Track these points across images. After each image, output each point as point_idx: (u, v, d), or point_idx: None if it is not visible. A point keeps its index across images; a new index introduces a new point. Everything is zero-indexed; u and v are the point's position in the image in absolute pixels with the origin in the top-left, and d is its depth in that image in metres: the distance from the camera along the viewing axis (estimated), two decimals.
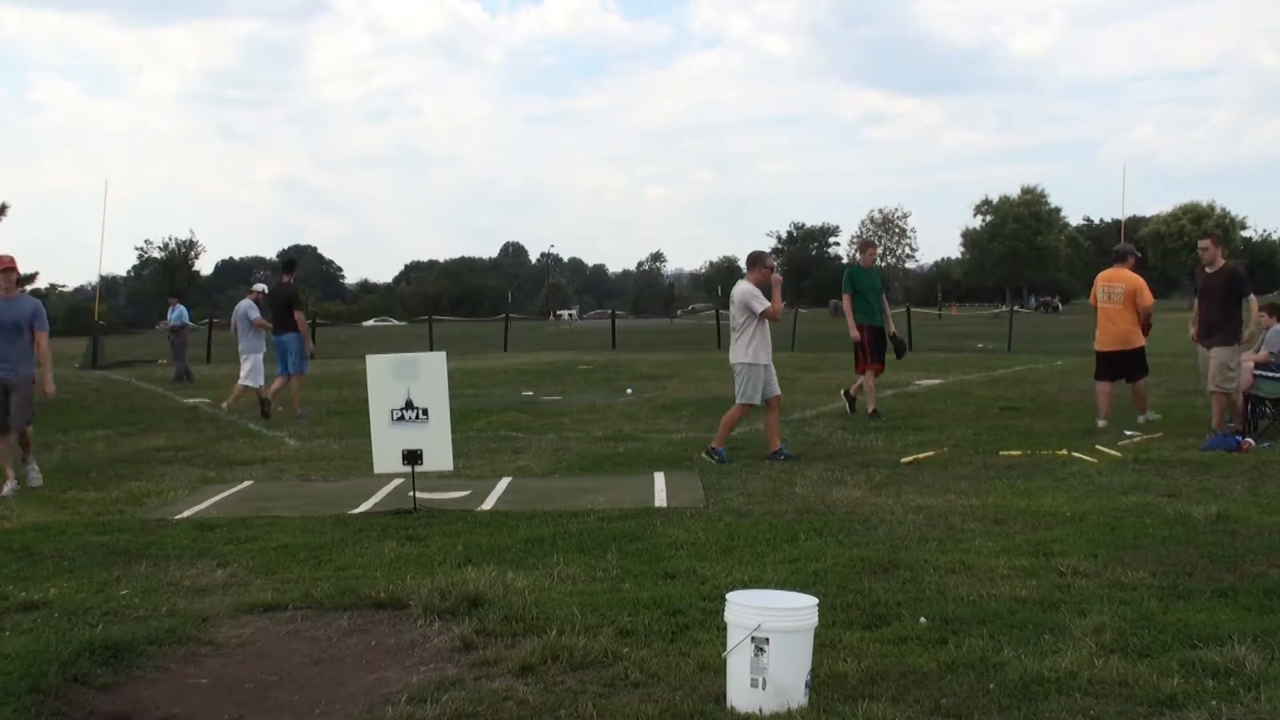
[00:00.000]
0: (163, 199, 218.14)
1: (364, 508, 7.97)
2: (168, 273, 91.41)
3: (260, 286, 16.28)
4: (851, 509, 7.40)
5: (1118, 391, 11.77)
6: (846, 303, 12.65)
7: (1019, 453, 9.72)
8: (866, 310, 12.62)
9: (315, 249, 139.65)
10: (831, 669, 4.25)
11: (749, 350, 9.66)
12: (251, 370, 15.10)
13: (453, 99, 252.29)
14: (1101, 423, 11.44)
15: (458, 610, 5.17)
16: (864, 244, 14.43)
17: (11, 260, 8.91)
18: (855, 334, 12.49)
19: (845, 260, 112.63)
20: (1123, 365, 11.63)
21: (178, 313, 22.96)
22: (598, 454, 10.28)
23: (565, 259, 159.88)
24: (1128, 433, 10.79)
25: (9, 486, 8.83)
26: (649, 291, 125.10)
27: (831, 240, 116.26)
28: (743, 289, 9.76)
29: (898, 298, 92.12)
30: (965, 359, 23.99)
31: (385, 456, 8.02)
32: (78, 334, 43.35)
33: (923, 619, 4.86)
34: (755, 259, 10.11)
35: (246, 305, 15.33)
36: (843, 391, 13.55)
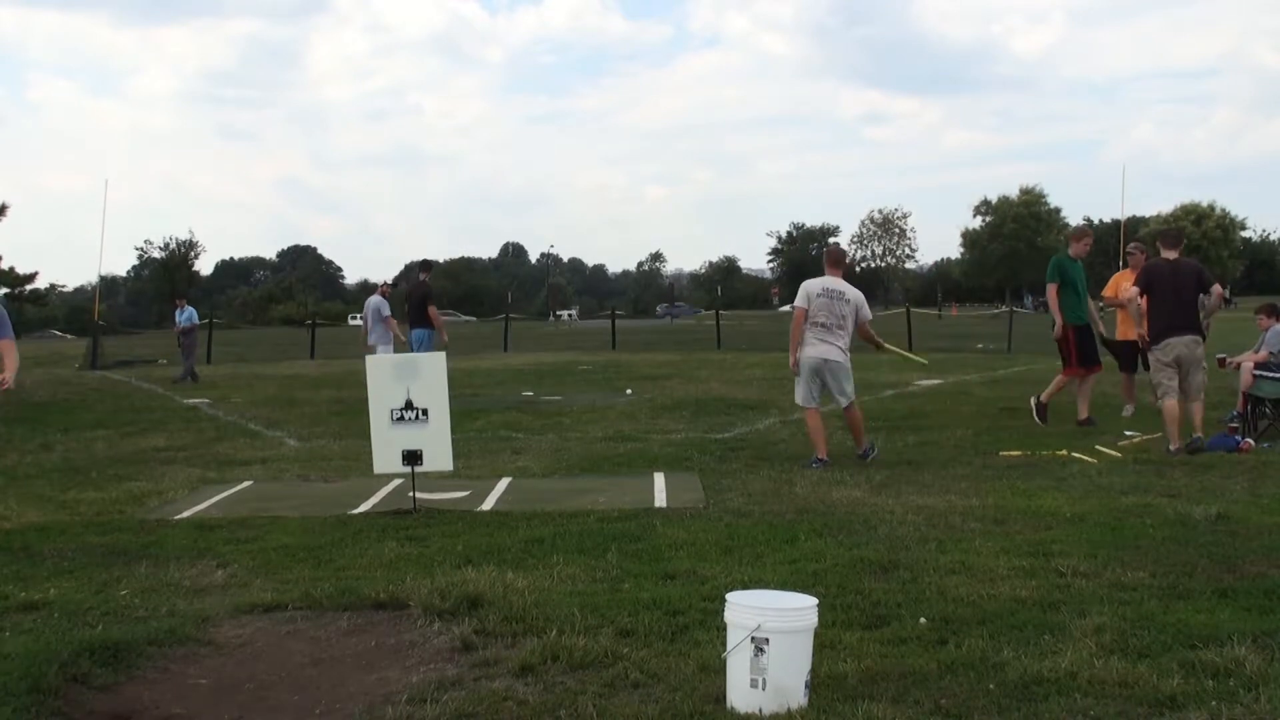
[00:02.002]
0: (162, 199, 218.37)
1: (364, 508, 7.97)
2: (167, 273, 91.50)
3: (385, 282, 17.94)
4: (851, 509, 7.40)
5: (1111, 392, 11.86)
6: (1053, 293, 11.50)
7: (1019, 453, 9.72)
8: (1075, 307, 11.51)
9: (315, 249, 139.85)
10: (831, 669, 4.24)
11: (847, 350, 9.54)
12: None
13: (453, 99, 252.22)
14: (1129, 407, 12.14)
15: (458, 610, 5.17)
16: (1080, 231, 12.74)
17: None
18: (1059, 331, 11.44)
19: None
20: (1142, 353, 11.71)
21: (187, 314, 22.92)
22: (598, 454, 10.28)
23: (565, 259, 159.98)
24: (1128, 433, 10.79)
25: None
26: (649, 291, 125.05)
27: (831, 240, 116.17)
28: (857, 291, 9.61)
29: (898, 298, 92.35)
30: (965, 359, 23.98)
31: (385, 457, 8.02)
32: (78, 334, 43.37)
33: (923, 619, 4.86)
34: (839, 256, 10.27)
35: (379, 301, 16.62)
36: (1032, 400, 11.99)
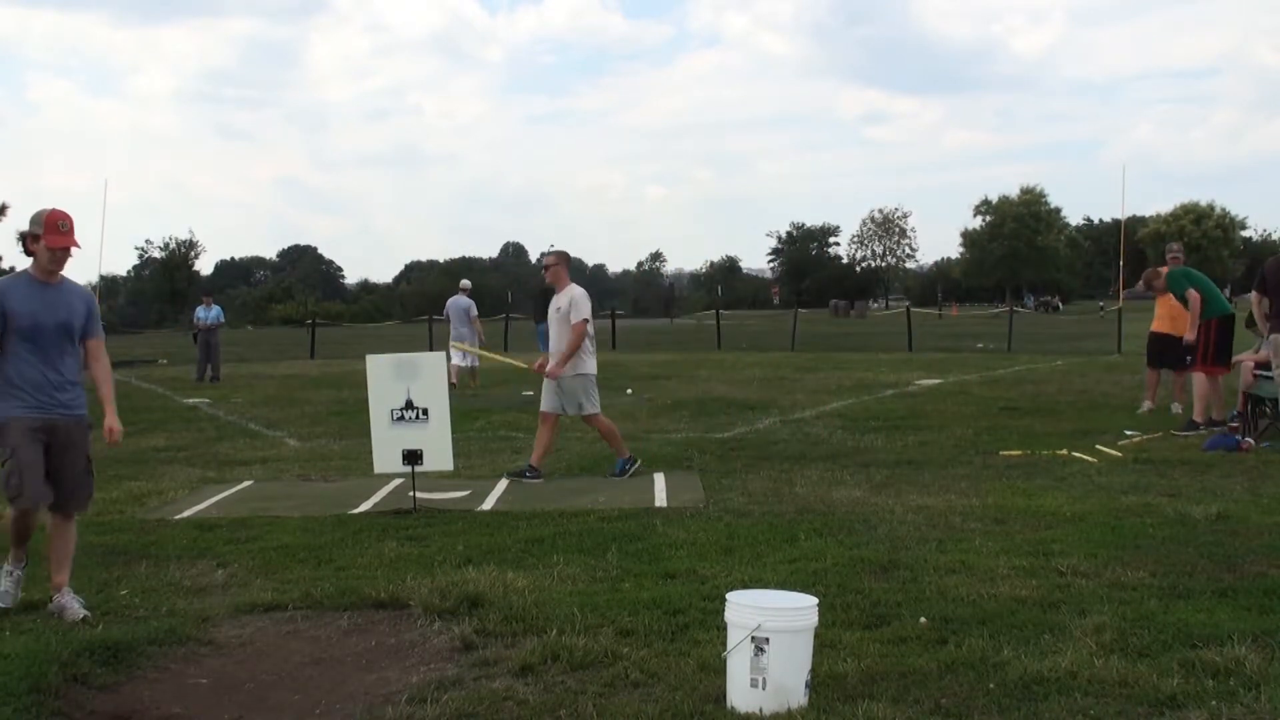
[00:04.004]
0: (162, 199, 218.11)
1: (364, 508, 7.97)
2: (167, 273, 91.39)
3: (466, 283, 19.37)
4: (851, 509, 7.40)
5: (1111, 391, 11.86)
6: (1196, 298, 11.13)
7: (1019, 453, 9.72)
8: (1216, 299, 11.24)
9: (315, 249, 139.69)
10: (831, 669, 4.25)
11: None
12: (462, 355, 17.48)
13: (453, 99, 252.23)
14: (1147, 404, 12.27)
15: (458, 610, 5.17)
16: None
17: (67, 218, 5.33)
18: (1194, 335, 11.10)
19: (845, 260, 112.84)
20: (1171, 350, 12.03)
21: (214, 312, 22.67)
22: (598, 454, 10.27)
23: None
24: (1128, 432, 10.79)
25: (7, 580, 5.53)
26: (649, 291, 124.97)
27: (831, 240, 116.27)
28: None
29: (898, 295, 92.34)
30: (965, 359, 23.99)
31: (385, 457, 8.02)
32: None
33: (923, 619, 4.87)
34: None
35: (467, 303, 18.35)
36: (1193, 422, 10.83)
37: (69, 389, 5.47)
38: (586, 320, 8.96)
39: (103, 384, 5.69)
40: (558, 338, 9.07)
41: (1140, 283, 12.14)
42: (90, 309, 5.54)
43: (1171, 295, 12.10)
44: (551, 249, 9.48)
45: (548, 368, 9.07)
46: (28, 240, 5.30)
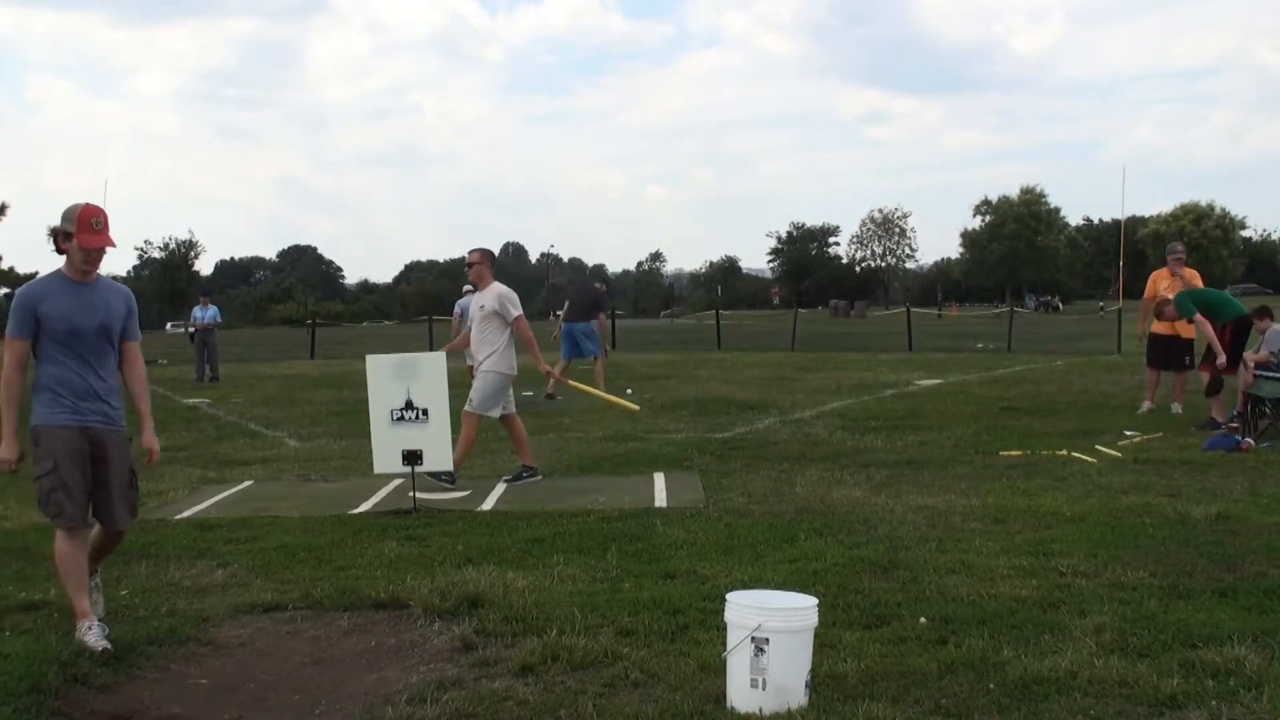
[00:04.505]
0: (162, 199, 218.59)
1: (364, 508, 7.97)
2: (167, 273, 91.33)
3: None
4: (851, 509, 7.40)
5: (1111, 391, 11.87)
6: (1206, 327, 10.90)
7: (1019, 453, 9.72)
8: (1230, 302, 11.27)
9: (315, 249, 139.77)
10: (831, 669, 4.25)
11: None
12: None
13: (453, 99, 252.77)
14: (1147, 404, 12.28)
15: (458, 610, 5.17)
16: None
17: (101, 214, 4.97)
18: (1222, 359, 10.74)
19: (843, 260, 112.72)
20: (1172, 351, 12.06)
21: (211, 312, 22.64)
22: (598, 454, 10.28)
23: (565, 259, 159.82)
24: (1128, 433, 10.79)
25: (94, 633, 4.81)
26: (649, 291, 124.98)
27: (831, 240, 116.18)
28: None
29: (898, 298, 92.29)
30: (965, 359, 23.98)
31: (385, 457, 8.02)
32: None
33: (923, 619, 4.86)
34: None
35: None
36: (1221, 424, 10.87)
37: (113, 397, 5.04)
38: (521, 316, 8.84)
39: (140, 397, 5.23)
40: (479, 335, 8.88)
41: (1153, 309, 12.02)
42: (130, 309, 5.12)
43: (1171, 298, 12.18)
44: (475, 249, 9.27)
45: (478, 366, 8.92)
46: (59, 238, 4.91)
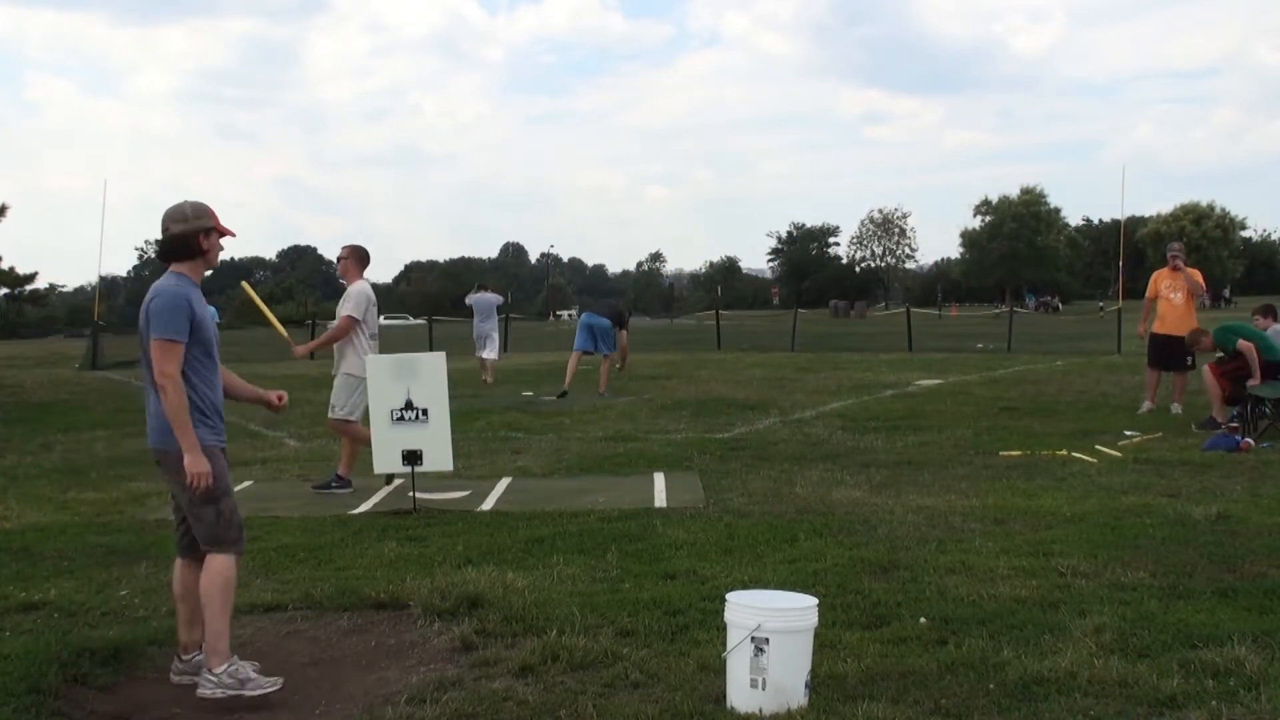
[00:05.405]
0: (162, 199, 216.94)
1: (364, 508, 7.97)
2: None
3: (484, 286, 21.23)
4: (851, 509, 7.40)
5: (1111, 391, 11.88)
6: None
7: (1019, 453, 9.72)
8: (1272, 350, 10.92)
9: (315, 249, 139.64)
10: (831, 669, 4.25)
11: None
12: (484, 347, 19.38)
13: (452, 99, 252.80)
14: (1147, 404, 12.28)
15: (458, 610, 5.17)
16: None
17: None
18: (1257, 379, 10.64)
19: (843, 260, 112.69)
20: (1174, 351, 12.07)
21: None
22: (598, 454, 10.28)
23: (565, 259, 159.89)
24: (1128, 433, 10.79)
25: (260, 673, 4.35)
26: (649, 291, 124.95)
27: (831, 240, 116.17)
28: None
29: (898, 298, 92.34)
30: (965, 359, 23.98)
31: (385, 457, 8.02)
32: (78, 334, 43.30)
33: (923, 619, 4.87)
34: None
35: (495, 298, 20.61)
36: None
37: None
38: (352, 317, 8.64)
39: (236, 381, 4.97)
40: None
41: (1187, 339, 11.94)
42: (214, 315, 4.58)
43: (1173, 297, 12.19)
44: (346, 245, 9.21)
45: (297, 348, 8.97)
46: (198, 238, 4.52)
